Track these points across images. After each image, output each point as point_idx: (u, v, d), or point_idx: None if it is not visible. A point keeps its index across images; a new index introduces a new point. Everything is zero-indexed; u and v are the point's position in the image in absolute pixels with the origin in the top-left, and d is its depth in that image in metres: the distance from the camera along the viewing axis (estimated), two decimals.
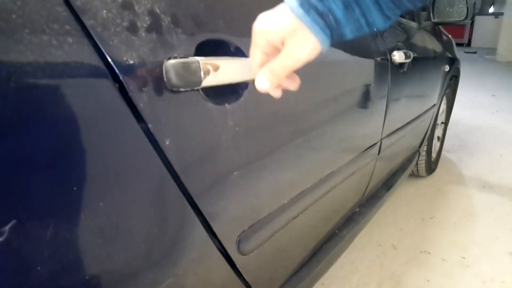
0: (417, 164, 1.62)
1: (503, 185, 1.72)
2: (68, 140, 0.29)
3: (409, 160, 1.40)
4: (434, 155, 1.77)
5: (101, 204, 0.31)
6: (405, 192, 1.63)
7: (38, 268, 0.27)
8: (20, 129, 0.26)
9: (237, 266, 0.50)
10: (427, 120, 1.45)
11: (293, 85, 0.38)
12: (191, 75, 0.37)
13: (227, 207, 0.46)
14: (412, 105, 1.19)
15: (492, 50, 6.68)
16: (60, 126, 0.28)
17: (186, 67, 0.37)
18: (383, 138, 0.97)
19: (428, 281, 1.08)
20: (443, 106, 1.76)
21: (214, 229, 0.44)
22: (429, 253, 1.21)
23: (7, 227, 0.25)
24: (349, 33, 0.34)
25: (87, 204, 0.30)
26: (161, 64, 0.35)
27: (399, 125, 1.08)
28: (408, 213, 1.46)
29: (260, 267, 0.58)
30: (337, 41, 0.36)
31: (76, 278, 0.30)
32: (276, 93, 0.38)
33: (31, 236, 0.26)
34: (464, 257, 1.18)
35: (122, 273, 0.34)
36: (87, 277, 0.31)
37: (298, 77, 0.39)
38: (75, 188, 0.29)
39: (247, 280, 0.54)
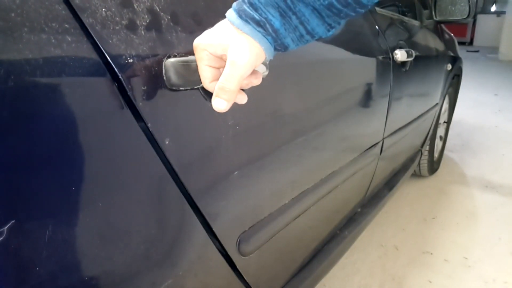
0: (419, 163, 1.61)
1: (506, 185, 1.71)
2: (67, 140, 0.29)
3: (411, 160, 1.40)
4: (436, 154, 1.76)
5: (100, 204, 0.31)
6: (407, 192, 1.62)
7: (37, 268, 0.27)
8: (19, 128, 0.26)
9: (238, 267, 0.50)
10: (429, 119, 1.44)
11: (242, 99, 0.38)
12: (191, 74, 0.37)
13: (227, 207, 0.46)
14: (414, 104, 1.18)
15: (494, 49, 6.66)
16: (58, 125, 0.28)
17: (186, 65, 0.36)
18: (385, 137, 0.96)
19: (430, 282, 1.07)
20: (446, 105, 1.75)
21: (214, 229, 0.44)
22: (431, 254, 1.20)
23: (6, 227, 0.25)
24: (291, 42, 0.35)
25: (86, 204, 0.30)
26: (160, 63, 0.35)
27: (401, 124, 1.08)
28: (410, 214, 1.45)
29: (261, 268, 0.58)
30: (283, 51, 0.36)
31: (75, 278, 0.30)
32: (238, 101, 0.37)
33: (30, 237, 0.26)
34: (466, 258, 1.18)
35: (121, 273, 0.34)
36: (86, 278, 0.31)
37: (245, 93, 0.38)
38: (73, 188, 0.29)
39: (247, 281, 0.53)
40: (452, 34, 1.69)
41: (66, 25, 0.28)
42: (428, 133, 1.52)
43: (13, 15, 0.26)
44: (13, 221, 0.25)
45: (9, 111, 0.25)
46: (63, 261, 0.29)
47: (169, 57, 0.36)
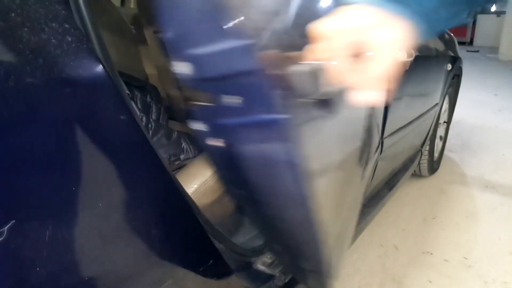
0: (419, 163, 1.61)
1: (506, 184, 1.70)
2: (66, 140, 0.28)
3: (411, 160, 1.40)
4: (436, 154, 1.76)
5: (100, 204, 0.31)
6: (407, 192, 1.62)
7: (37, 268, 0.27)
8: (19, 128, 0.26)
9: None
10: (429, 119, 1.44)
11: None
12: (317, 81, 0.31)
13: None
14: (414, 104, 1.18)
15: (494, 49, 6.65)
16: (58, 125, 0.28)
17: (314, 73, 0.31)
18: (385, 137, 0.96)
19: (430, 281, 1.07)
20: (446, 105, 1.74)
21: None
22: (431, 254, 1.20)
23: (6, 227, 0.25)
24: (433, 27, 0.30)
25: (86, 204, 0.30)
26: (288, 72, 0.32)
27: (401, 124, 1.08)
28: (410, 214, 1.45)
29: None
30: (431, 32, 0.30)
31: (75, 278, 0.30)
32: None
33: (30, 237, 0.26)
34: (466, 258, 1.17)
35: (121, 273, 0.34)
36: (86, 278, 0.30)
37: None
38: (73, 188, 0.29)
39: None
40: (452, 34, 1.69)
41: (66, 25, 0.28)
42: (428, 133, 1.52)
43: (13, 15, 0.26)
44: (13, 221, 0.25)
45: (9, 111, 0.25)
46: (63, 261, 0.29)
47: (298, 65, 0.31)
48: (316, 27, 0.29)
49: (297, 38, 0.32)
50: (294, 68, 0.31)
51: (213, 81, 0.36)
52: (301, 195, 0.40)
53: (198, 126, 0.40)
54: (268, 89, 0.33)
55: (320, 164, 0.42)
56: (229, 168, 0.44)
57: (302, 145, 0.36)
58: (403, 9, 0.28)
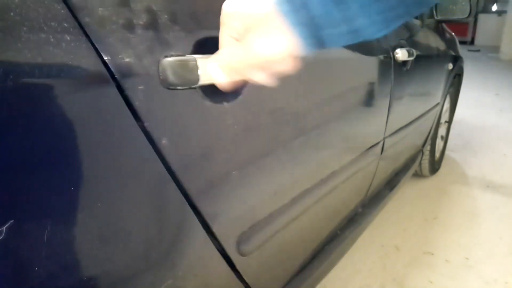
0: (420, 163, 1.61)
1: (507, 184, 1.70)
2: (64, 139, 0.28)
3: (412, 160, 1.39)
4: (437, 154, 1.76)
5: (99, 204, 0.31)
6: (408, 192, 1.61)
7: (36, 269, 0.27)
8: (17, 128, 0.26)
9: (237, 267, 0.50)
10: (430, 119, 1.43)
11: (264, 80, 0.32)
12: (189, 73, 0.36)
13: (227, 207, 0.46)
14: (415, 104, 1.18)
15: (495, 48, 6.64)
16: (55, 124, 0.28)
17: (183, 65, 0.36)
18: (386, 137, 0.95)
19: (431, 282, 1.07)
20: (447, 105, 1.74)
21: (214, 229, 0.43)
22: (433, 254, 1.20)
23: (4, 227, 0.25)
24: (331, 37, 0.29)
25: (84, 205, 0.30)
26: (157, 62, 0.35)
27: (402, 124, 1.07)
28: (411, 214, 1.45)
29: (260, 268, 0.57)
30: (317, 48, 0.30)
31: (74, 279, 0.30)
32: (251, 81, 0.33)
33: (29, 237, 0.26)
34: (467, 258, 1.17)
35: (120, 274, 0.34)
36: (85, 279, 0.30)
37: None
38: (72, 188, 0.29)
39: (247, 281, 0.53)
40: (453, 33, 1.68)
41: (64, 24, 0.28)
42: (429, 133, 1.51)
43: (11, 14, 0.25)
44: (12, 221, 0.25)
45: (7, 110, 0.25)
46: (62, 261, 0.28)
47: (166, 56, 0.35)
48: (224, 5, 0.31)
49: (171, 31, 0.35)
50: (162, 60, 0.34)
51: None
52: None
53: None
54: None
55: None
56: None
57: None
58: (293, 12, 0.28)
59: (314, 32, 0.28)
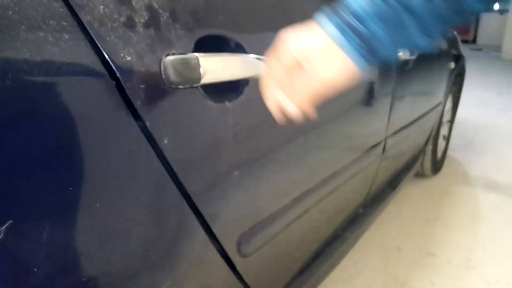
0: (422, 163, 1.60)
1: (510, 184, 1.69)
2: (64, 139, 0.28)
3: (414, 160, 1.39)
4: (439, 154, 1.75)
5: (98, 205, 0.30)
6: (410, 192, 1.61)
7: (35, 269, 0.27)
8: (16, 127, 0.25)
9: (237, 268, 0.49)
10: (432, 119, 1.43)
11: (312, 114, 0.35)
12: (190, 71, 0.36)
13: (227, 208, 0.45)
14: (417, 103, 1.17)
15: (497, 47, 6.62)
16: (55, 124, 0.28)
17: (185, 63, 0.36)
18: (388, 137, 0.95)
19: (433, 283, 1.06)
20: (449, 104, 1.73)
21: (214, 230, 0.43)
22: (435, 255, 1.19)
23: (3, 227, 0.24)
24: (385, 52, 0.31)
25: (84, 205, 0.29)
26: (159, 61, 0.34)
27: (404, 124, 1.07)
28: (413, 214, 1.44)
29: (261, 269, 0.57)
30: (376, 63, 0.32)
31: (73, 280, 0.29)
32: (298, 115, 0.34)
33: (28, 237, 0.26)
34: (469, 259, 1.16)
35: (120, 275, 0.34)
36: (84, 279, 0.30)
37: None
38: (71, 188, 0.29)
39: (247, 282, 0.53)
40: (455, 33, 1.68)
41: (64, 23, 0.28)
42: (431, 133, 1.51)
43: (10, 13, 0.25)
44: (11, 221, 0.25)
45: (5, 109, 0.25)
46: (61, 262, 0.28)
47: (168, 55, 0.35)
48: (283, 35, 0.32)
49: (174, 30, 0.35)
50: (165, 58, 0.34)
51: None
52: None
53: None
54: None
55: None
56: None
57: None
58: (356, 48, 0.29)
59: (371, 53, 0.30)
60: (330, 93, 0.32)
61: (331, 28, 0.30)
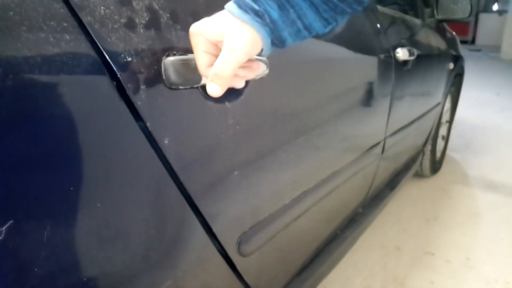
0: (421, 163, 1.60)
1: (508, 184, 1.70)
2: (65, 139, 0.28)
3: (413, 160, 1.39)
4: (438, 154, 1.75)
5: (98, 205, 0.30)
6: (409, 192, 1.61)
7: (36, 269, 0.27)
8: (17, 128, 0.25)
9: (238, 268, 0.50)
10: (431, 119, 1.43)
11: (239, 83, 0.38)
12: (191, 72, 0.36)
13: (227, 207, 0.45)
14: (416, 103, 1.18)
15: (496, 48, 6.63)
16: (56, 124, 0.28)
17: (185, 64, 0.36)
18: (387, 137, 0.95)
19: (432, 282, 1.06)
20: (448, 105, 1.74)
21: (214, 230, 0.43)
22: (433, 254, 1.19)
23: (4, 227, 0.25)
24: (288, 36, 0.35)
25: (84, 205, 0.29)
26: (160, 62, 0.35)
27: (403, 124, 1.07)
28: (412, 214, 1.44)
29: (261, 269, 0.57)
30: (279, 47, 0.36)
31: (74, 279, 0.30)
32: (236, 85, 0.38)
33: (28, 237, 0.26)
34: (468, 258, 1.17)
35: (120, 274, 0.34)
36: (85, 279, 0.30)
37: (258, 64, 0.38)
38: (72, 188, 0.29)
39: (247, 282, 0.53)
40: (454, 33, 1.68)
41: (65, 24, 0.28)
42: (430, 133, 1.51)
43: (11, 13, 0.25)
44: (12, 221, 0.25)
45: (6, 110, 0.25)
46: (61, 261, 0.28)
47: (168, 55, 0.35)
48: (191, 28, 0.35)
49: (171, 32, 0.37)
50: (165, 59, 0.35)
51: None
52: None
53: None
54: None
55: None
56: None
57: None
58: (253, 19, 0.33)
59: (276, 33, 0.34)
60: (241, 61, 0.34)
61: (233, 7, 0.34)
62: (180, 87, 0.36)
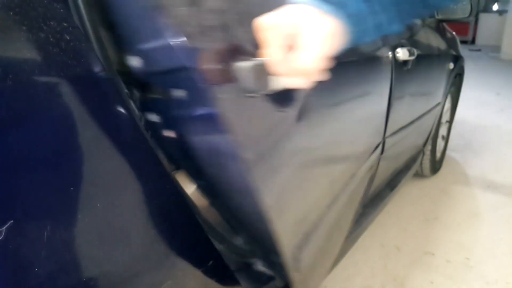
0: (421, 163, 1.60)
1: (508, 184, 1.70)
2: (65, 139, 0.28)
3: (413, 160, 1.39)
4: (438, 154, 1.75)
5: (98, 205, 0.31)
6: (409, 192, 1.61)
7: (36, 269, 0.27)
8: (17, 128, 0.25)
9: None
10: (431, 119, 1.43)
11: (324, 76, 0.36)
12: (260, 78, 0.34)
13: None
14: (416, 103, 1.17)
15: (496, 48, 6.62)
16: (56, 124, 0.28)
17: (257, 69, 0.34)
18: (387, 137, 0.95)
19: (432, 282, 1.06)
20: (448, 105, 1.74)
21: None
22: (433, 254, 1.19)
23: (4, 227, 0.25)
24: (365, 31, 0.34)
25: (84, 205, 0.29)
26: (230, 67, 0.34)
27: (403, 124, 1.07)
28: (412, 214, 1.44)
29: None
30: (358, 41, 0.34)
31: (74, 279, 0.30)
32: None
33: (28, 237, 0.26)
34: (468, 258, 1.17)
35: (120, 274, 0.34)
36: (85, 279, 0.30)
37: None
38: (72, 188, 0.29)
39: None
40: (454, 33, 1.68)
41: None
42: (430, 133, 1.51)
43: (12, 13, 0.25)
44: (12, 221, 0.25)
45: (7, 110, 0.25)
46: (61, 261, 0.28)
47: (239, 60, 0.34)
48: (259, 22, 0.33)
49: (241, 34, 0.35)
50: (237, 64, 0.34)
51: (160, 75, 0.38)
52: (246, 186, 0.41)
53: (152, 118, 0.42)
54: (205, 84, 0.35)
55: (264, 156, 0.43)
56: (185, 159, 0.45)
57: (241, 138, 0.37)
58: (335, 10, 0.32)
59: (351, 28, 0.33)
60: (328, 52, 0.33)
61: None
62: (251, 94, 0.35)
